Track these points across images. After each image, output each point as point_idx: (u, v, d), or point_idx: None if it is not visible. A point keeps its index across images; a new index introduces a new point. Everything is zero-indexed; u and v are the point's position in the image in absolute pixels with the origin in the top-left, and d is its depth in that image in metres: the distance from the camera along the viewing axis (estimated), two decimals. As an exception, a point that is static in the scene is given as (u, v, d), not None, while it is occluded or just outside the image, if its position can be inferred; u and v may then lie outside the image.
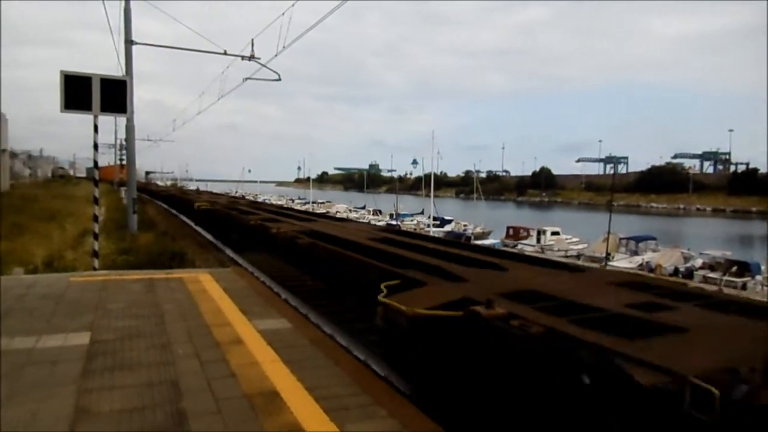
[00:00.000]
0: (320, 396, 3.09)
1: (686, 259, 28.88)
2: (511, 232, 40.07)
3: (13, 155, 68.69)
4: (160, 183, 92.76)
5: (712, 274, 25.50)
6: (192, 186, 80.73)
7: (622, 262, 29.15)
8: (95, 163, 8.80)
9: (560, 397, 2.86)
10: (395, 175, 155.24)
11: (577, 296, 3.93)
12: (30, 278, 6.77)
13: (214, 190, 55.81)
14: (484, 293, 3.84)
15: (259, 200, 43.41)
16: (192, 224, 20.04)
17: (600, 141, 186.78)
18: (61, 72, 7.74)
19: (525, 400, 3.08)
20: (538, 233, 37.55)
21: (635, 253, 31.53)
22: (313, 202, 61.28)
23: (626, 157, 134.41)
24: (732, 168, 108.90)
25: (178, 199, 29.17)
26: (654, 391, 2.37)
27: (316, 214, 17.49)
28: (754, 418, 2.15)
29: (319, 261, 7.32)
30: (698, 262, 28.07)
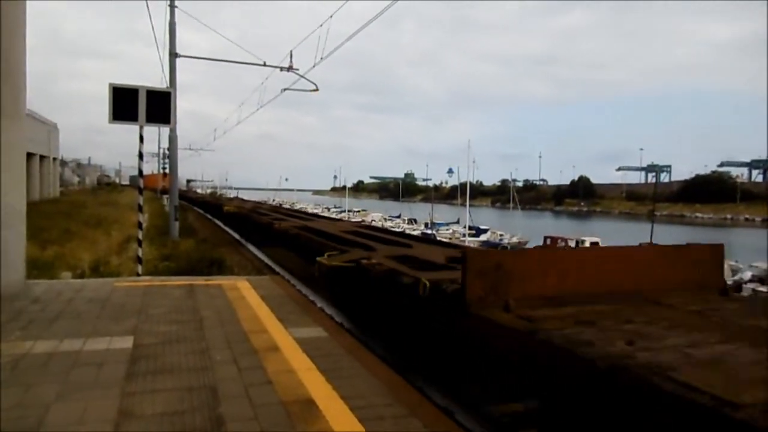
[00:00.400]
0: (355, 405, 3.10)
1: (734, 271, 27.75)
2: (548, 241, 39.39)
3: (63, 163, 71.76)
4: (199, 191, 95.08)
5: (762, 288, 24.44)
6: (232, 194, 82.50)
7: (665, 274, 28.25)
8: (140, 171, 9.10)
9: (391, 299, 5.46)
10: (430, 183, 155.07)
11: (429, 257, 6.42)
12: (78, 282, 7.03)
13: (252, 198, 56.88)
14: (378, 256, 6.61)
15: (296, 208, 44.06)
16: (222, 224, 23.55)
17: (641, 149, 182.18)
18: (110, 85, 8.05)
19: (377, 303, 5.95)
20: (577, 243, 36.80)
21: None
22: (348, 211, 61.69)
23: (669, 166, 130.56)
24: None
25: (211, 204, 34.10)
26: (410, 285, 4.97)
27: (315, 215, 20.89)
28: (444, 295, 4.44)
29: (299, 243, 10.18)
30: (747, 274, 26.95)
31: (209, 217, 30.14)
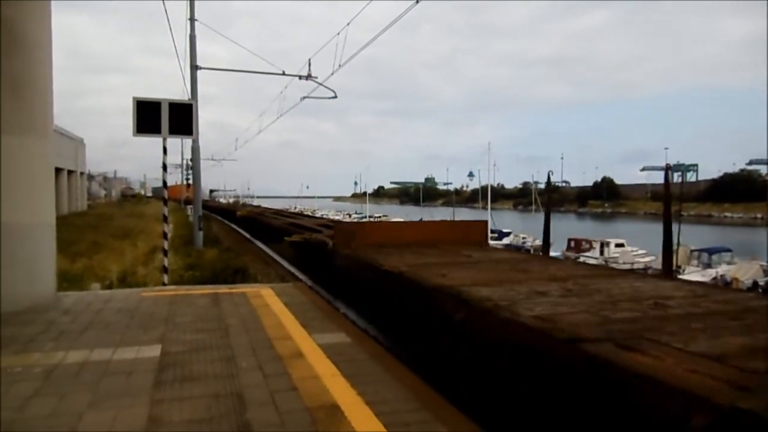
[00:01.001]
0: (380, 411, 3.10)
1: (766, 272, 27.00)
2: (572, 244, 38.91)
3: (90, 177, 73.38)
4: (222, 200, 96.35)
5: (795, 288, 23.72)
6: (255, 202, 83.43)
7: (694, 275, 27.64)
8: (164, 182, 9.27)
9: (317, 257, 9.23)
10: (451, 188, 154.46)
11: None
12: (106, 293, 7.18)
13: (274, 206, 57.47)
14: (319, 236, 9.87)
15: (317, 215, 44.49)
16: (236, 227, 29.12)
17: (666, 148, 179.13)
18: (134, 98, 8.23)
19: (312, 256, 9.80)
20: (602, 245, 36.27)
21: (708, 265, 29.84)
22: (369, 216, 61.84)
23: (696, 165, 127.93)
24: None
25: (228, 210, 42.12)
26: (318, 245, 9.28)
27: (304, 215, 26.90)
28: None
29: (283, 232, 13.78)
30: (780, 275, 26.20)
31: (226, 222, 35.64)
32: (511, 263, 6.34)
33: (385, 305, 5.83)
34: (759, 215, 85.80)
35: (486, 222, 8.71)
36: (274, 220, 19.11)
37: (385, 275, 5.79)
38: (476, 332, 3.89)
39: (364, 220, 53.84)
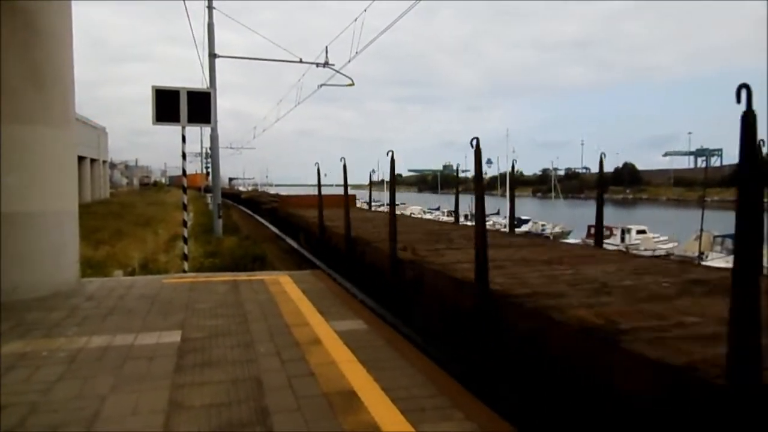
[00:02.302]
0: (396, 397, 3.12)
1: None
2: (592, 231, 38.41)
3: (113, 166, 74.56)
4: (242, 188, 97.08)
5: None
6: (272, 190, 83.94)
7: (717, 261, 27.15)
8: (183, 171, 9.37)
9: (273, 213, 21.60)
10: (469, 175, 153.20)
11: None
12: (129, 280, 7.32)
13: (291, 194, 57.82)
14: (276, 204, 22.88)
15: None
16: (241, 207, 37.45)
17: (689, 133, 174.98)
18: (153, 87, 8.31)
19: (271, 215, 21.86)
20: (623, 232, 35.77)
21: (732, 251, 29.21)
22: (388, 204, 61.69)
23: (720, 150, 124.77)
24: None
25: (234, 195, 52.43)
26: (273, 208, 22.72)
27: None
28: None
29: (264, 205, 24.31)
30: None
31: (234, 204, 42.85)
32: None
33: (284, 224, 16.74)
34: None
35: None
36: (261, 199, 31.24)
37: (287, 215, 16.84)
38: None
39: (381, 207, 54.18)
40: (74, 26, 6.40)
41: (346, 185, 9.80)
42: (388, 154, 6.89)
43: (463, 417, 2.88)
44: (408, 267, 6.10)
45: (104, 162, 49.40)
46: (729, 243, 30.22)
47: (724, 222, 42.79)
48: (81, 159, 34.79)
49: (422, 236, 8.68)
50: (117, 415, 2.90)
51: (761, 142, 2.32)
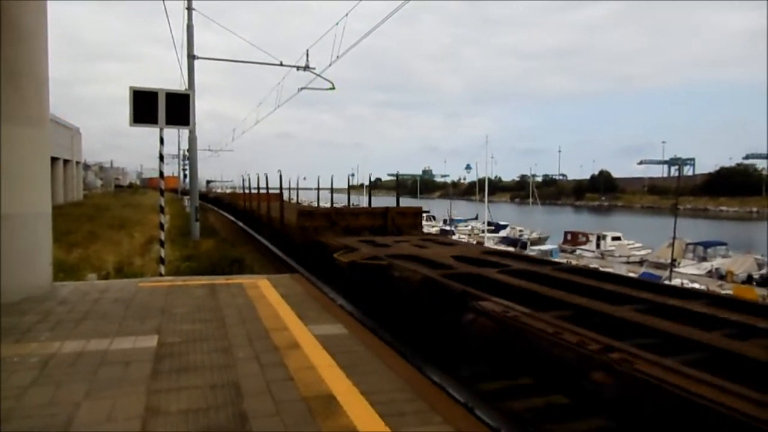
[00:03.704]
0: (376, 401, 3.13)
1: (760, 265, 27.13)
2: (569, 237, 38.99)
3: (86, 167, 73.07)
4: (219, 191, 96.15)
5: (789, 282, 23.87)
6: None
7: (689, 268, 27.78)
8: (161, 173, 9.25)
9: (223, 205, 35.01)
10: (448, 180, 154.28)
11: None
12: (103, 283, 7.18)
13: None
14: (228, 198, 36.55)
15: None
16: (214, 208, 39.36)
17: (663, 142, 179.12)
18: (131, 88, 8.19)
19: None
20: (598, 238, 36.35)
21: (704, 259, 29.95)
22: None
23: (693, 159, 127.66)
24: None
25: (204, 195, 52.50)
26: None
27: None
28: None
29: (224, 201, 34.06)
30: (774, 268, 26.34)
31: (209, 205, 45.38)
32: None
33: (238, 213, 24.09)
34: (755, 209, 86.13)
35: (420, 207, 12.62)
36: (224, 198, 39.22)
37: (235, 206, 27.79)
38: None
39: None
40: (49, 23, 6.29)
41: (281, 188, 16.13)
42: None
43: (442, 421, 2.90)
44: (303, 231, 10.64)
45: (78, 163, 48.39)
46: (701, 250, 30.98)
47: (696, 230, 43.83)
48: (54, 160, 34.08)
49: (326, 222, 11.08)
50: (91, 422, 2.85)
51: None
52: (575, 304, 3.97)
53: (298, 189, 20.34)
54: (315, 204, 24.41)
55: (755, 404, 2.22)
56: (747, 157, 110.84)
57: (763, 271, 25.97)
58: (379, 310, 6.19)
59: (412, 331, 5.19)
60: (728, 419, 2.18)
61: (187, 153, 24.63)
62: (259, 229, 17.41)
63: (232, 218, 28.11)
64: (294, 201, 20.04)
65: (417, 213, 11.64)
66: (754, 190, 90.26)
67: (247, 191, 22.13)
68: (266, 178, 18.80)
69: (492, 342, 3.52)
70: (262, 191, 17.65)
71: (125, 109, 8.18)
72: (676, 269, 25.49)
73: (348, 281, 6.81)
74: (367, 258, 6.54)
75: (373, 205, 13.10)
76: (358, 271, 6.40)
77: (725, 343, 3.01)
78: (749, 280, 24.95)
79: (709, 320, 3.55)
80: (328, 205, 20.99)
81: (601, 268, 12.37)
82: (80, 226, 19.15)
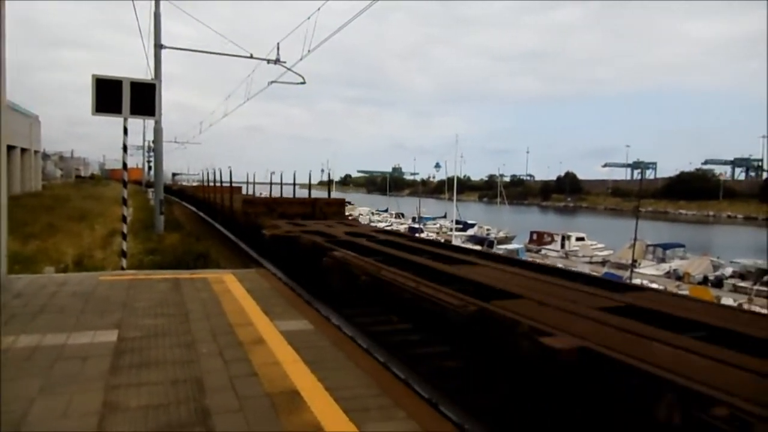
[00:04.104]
0: (340, 396, 3.12)
1: (716, 267, 28.20)
2: (534, 237, 39.68)
3: (45, 156, 70.64)
4: (185, 184, 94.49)
5: (742, 283, 24.88)
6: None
7: (648, 269, 28.63)
8: (124, 164, 9.03)
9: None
10: (418, 178, 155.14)
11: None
12: (61, 277, 6.97)
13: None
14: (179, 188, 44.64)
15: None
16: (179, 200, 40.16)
17: (627, 146, 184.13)
18: (93, 76, 7.96)
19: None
20: (563, 239, 37.10)
21: (662, 260, 30.92)
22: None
23: (655, 163, 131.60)
24: (765, 175, 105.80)
25: (168, 188, 53.67)
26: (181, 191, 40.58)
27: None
28: None
29: (186, 192, 36.05)
30: (728, 270, 27.41)
31: (174, 198, 45.48)
32: None
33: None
34: (712, 213, 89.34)
35: (343, 199, 14.84)
36: (187, 190, 39.62)
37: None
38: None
39: (382, 215, 56.67)
40: (5, 5, 6.04)
41: (231, 181, 18.71)
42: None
43: (406, 416, 2.92)
44: (246, 216, 12.53)
45: (36, 152, 46.72)
46: (660, 252, 31.98)
47: (656, 232, 45.19)
48: (10, 148, 32.79)
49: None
50: (46, 417, 2.77)
51: None
52: (389, 254, 6.57)
53: (254, 183, 21.87)
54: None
55: (458, 299, 3.79)
56: (706, 162, 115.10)
57: (718, 273, 26.98)
58: (288, 262, 8.90)
59: (304, 272, 7.80)
60: (439, 305, 3.84)
61: (152, 144, 24.07)
62: (215, 216, 20.25)
63: (194, 209, 30.30)
64: (257, 195, 20.15)
65: (341, 203, 14.33)
66: (712, 195, 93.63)
67: (208, 184, 24.14)
68: (230, 172, 19.45)
69: (334, 269, 6.10)
70: (226, 185, 18.88)
71: (88, 98, 7.96)
72: (637, 270, 26.24)
73: (269, 247, 9.66)
74: (285, 233, 8.87)
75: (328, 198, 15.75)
76: (276, 241, 8.81)
77: (437, 265, 5.65)
78: (705, 281, 25.88)
79: (452, 260, 6.20)
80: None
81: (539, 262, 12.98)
82: (38, 218, 18.52)
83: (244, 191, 23.14)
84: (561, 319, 3.27)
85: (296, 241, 8.18)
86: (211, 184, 22.18)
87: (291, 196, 17.05)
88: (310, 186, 15.64)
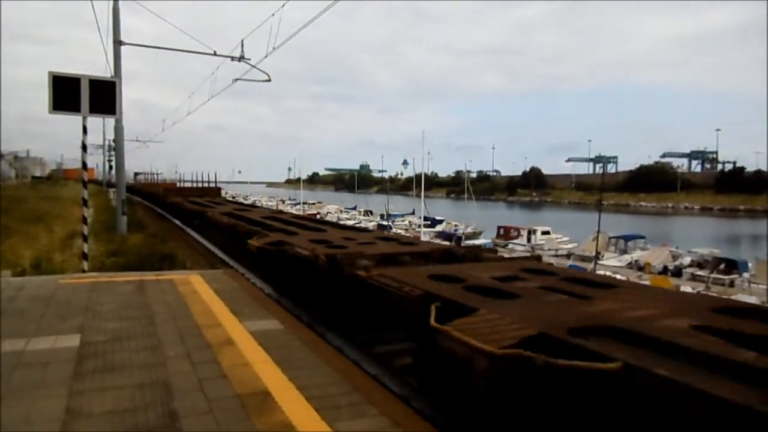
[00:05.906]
0: (311, 395, 3.11)
1: (675, 257, 29.13)
2: (501, 231, 40.21)
3: None
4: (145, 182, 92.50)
5: (700, 272, 25.78)
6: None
7: (611, 260, 29.38)
8: (84, 164, 8.77)
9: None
10: (386, 175, 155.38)
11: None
12: (18, 281, 6.73)
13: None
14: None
15: (248, 202, 43.66)
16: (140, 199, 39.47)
17: (590, 141, 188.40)
18: (50, 73, 7.70)
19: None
20: (529, 233, 37.72)
21: (624, 251, 31.76)
22: (304, 203, 61.16)
23: (616, 157, 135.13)
24: (719, 167, 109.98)
25: (130, 187, 57.94)
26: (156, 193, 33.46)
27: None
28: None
29: (145, 191, 36.63)
30: (687, 260, 28.34)
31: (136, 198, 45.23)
32: None
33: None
34: (670, 205, 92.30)
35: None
36: (143, 188, 42.53)
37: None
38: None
39: (350, 213, 55.48)
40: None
41: (196, 182, 26.61)
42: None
43: (378, 413, 2.93)
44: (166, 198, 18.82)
45: (-10, 152, 44.93)
46: (622, 243, 32.86)
47: (618, 224, 46.40)
48: (-38, 148, 31.44)
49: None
50: (7, 424, 2.67)
51: None
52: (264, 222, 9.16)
53: (216, 182, 28.85)
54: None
55: (419, 288, 3.88)
56: (664, 155, 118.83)
57: (677, 263, 27.89)
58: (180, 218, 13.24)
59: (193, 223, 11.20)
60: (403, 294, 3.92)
61: (113, 143, 23.46)
62: (156, 203, 26.35)
63: (147, 202, 33.99)
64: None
65: (217, 191, 22.88)
66: (670, 187, 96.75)
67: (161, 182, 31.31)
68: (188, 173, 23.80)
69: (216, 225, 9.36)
70: (187, 184, 25.38)
71: (44, 95, 7.69)
72: (600, 261, 26.90)
73: (184, 219, 12.85)
74: (189, 202, 13.44)
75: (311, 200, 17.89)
76: (186, 213, 13.17)
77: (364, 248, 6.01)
78: (665, 270, 26.73)
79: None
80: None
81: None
82: (-7, 220, 17.80)
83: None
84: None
85: (181, 206, 11.95)
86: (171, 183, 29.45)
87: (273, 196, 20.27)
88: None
